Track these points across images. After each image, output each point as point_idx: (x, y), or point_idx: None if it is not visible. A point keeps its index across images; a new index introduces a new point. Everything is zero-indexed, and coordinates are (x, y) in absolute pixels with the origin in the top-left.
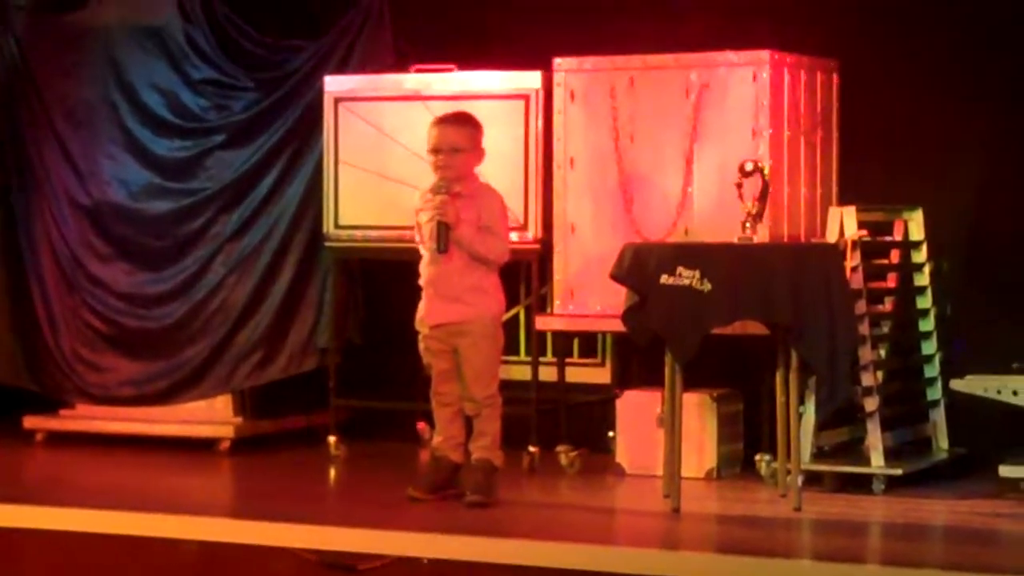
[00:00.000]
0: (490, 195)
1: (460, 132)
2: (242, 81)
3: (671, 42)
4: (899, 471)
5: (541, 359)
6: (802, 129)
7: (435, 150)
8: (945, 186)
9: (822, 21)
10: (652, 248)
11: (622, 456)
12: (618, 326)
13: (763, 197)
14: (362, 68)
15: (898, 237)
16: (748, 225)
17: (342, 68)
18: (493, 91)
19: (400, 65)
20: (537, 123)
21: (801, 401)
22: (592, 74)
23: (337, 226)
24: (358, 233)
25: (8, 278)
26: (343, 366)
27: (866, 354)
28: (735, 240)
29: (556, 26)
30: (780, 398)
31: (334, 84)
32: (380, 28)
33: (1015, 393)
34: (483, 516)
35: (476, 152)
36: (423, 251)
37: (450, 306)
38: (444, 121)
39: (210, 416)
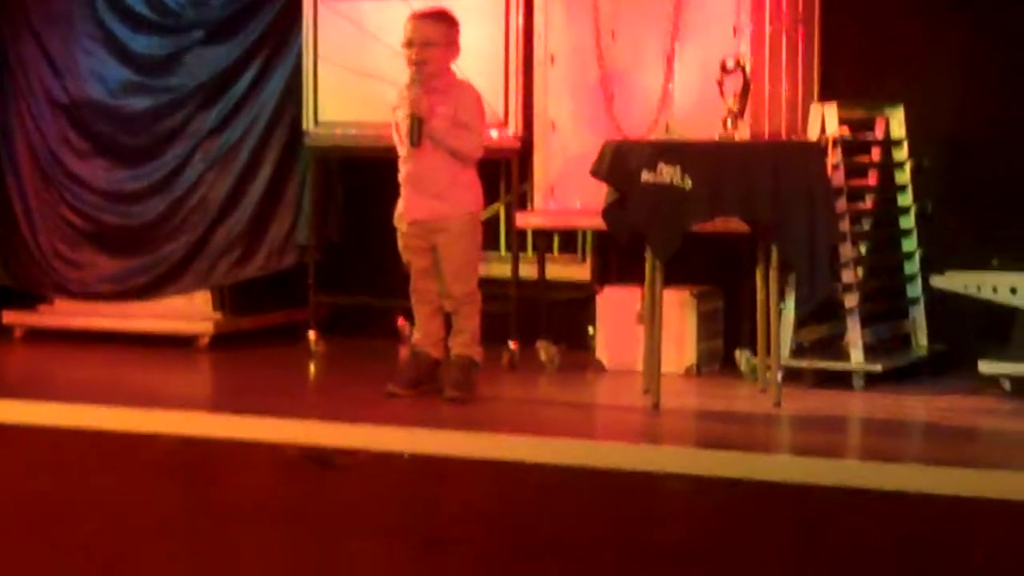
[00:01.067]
0: (466, 90)
1: (434, 26)
2: None
3: None
4: (879, 367)
5: (521, 255)
6: (784, 26)
7: (408, 43)
8: (926, 84)
9: None
10: (633, 145)
11: (602, 352)
12: (598, 223)
13: (744, 94)
14: None
15: (879, 135)
16: (729, 122)
17: None
18: None
19: None
20: (518, 19)
21: (781, 298)
22: None
23: (316, 123)
24: (338, 130)
25: None
26: (323, 263)
27: (846, 251)
28: (716, 137)
29: None
30: (760, 295)
31: None
32: None
33: (994, 290)
34: (462, 411)
35: (451, 48)
36: (400, 149)
37: (428, 202)
38: (419, 16)
39: (190, 312)
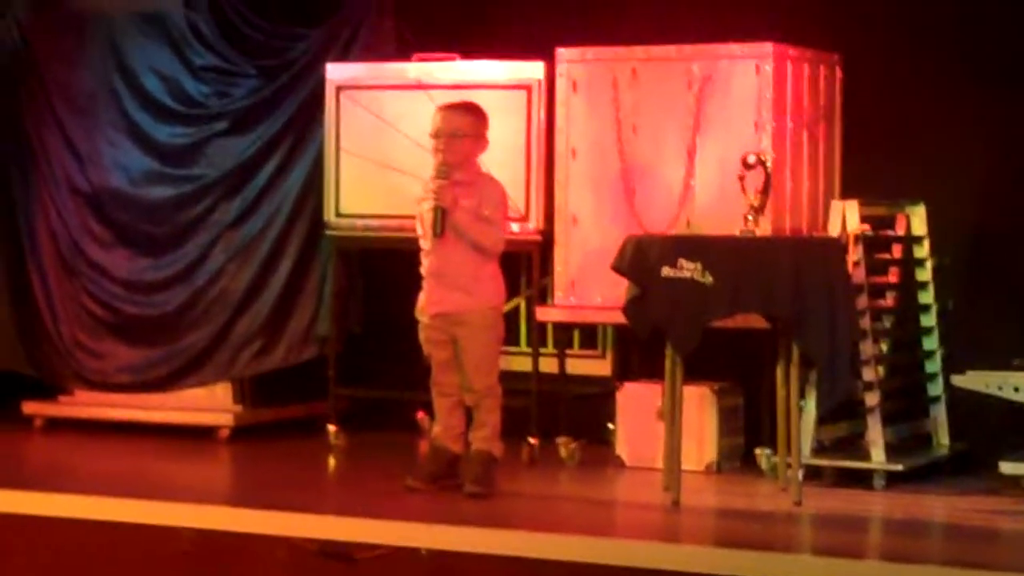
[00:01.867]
0: (491, 184)
1: (463, 118)
2: (244, 68)
3: (674, 33)
4: (899, 467)
5: (541, 350)
6: (805, 122)
7: (436, 134)
8: (948, 181)
9: (825, 14)
10: (654, 240)
11: (622, 448)
12: (619, 318)
13: (765, 190)
14: (364, 56)
15: (900, 232)
16: (750, 218)
17: (344, 56)
18: (496, 81)
19: (402, 54)
20: (539, 113)
21: (802, 395)
22: (595, 64)
23: (338, 214)
24: (359, 222)
25: (7, 263)
26: (343, 355)
27: (867, 349)
28: (737, 233)
29: (559, 16)
30: (781, 392)
31: (336, 72)
32: (383, 16)
33: (1016, 389)
34: (482, 507)
35: (479, 140)
36: (423, 242)
37: (450, 295)
38: (448, 107)
39: (210, 404)
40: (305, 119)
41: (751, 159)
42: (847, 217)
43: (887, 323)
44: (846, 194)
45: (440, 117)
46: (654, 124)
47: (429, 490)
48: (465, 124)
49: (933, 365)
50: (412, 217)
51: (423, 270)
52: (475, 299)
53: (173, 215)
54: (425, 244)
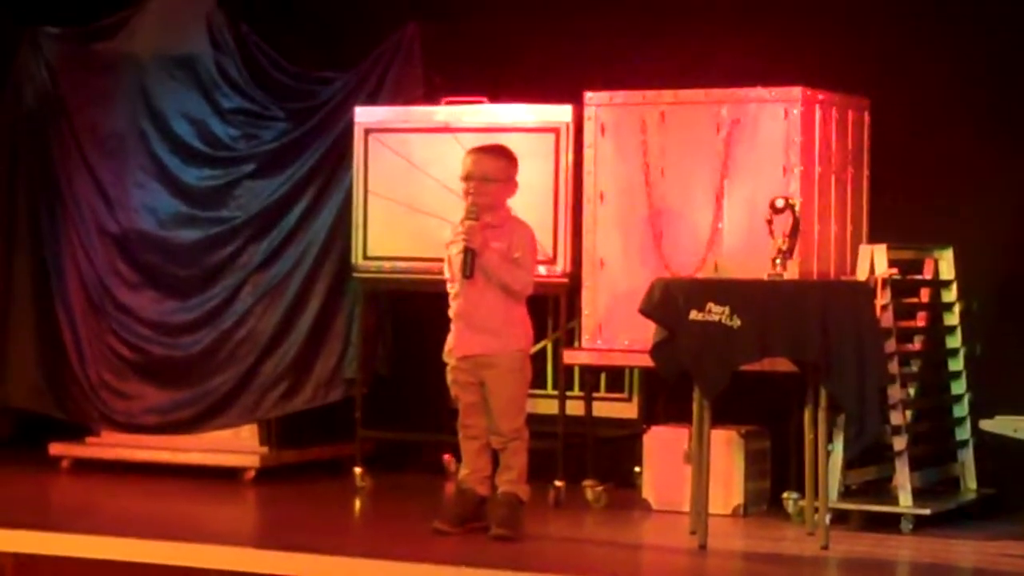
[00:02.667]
0: (520, 227)
1: (493, 162)
2: (272, 111)
3: (702, 77)
4: (927, 511)
5: (568, 393)
6: (833, 166)
7: (467, 177)
8: (976, 225)
9: (854, 59)
10: (681, 283)
11: (648, 492)
12: (646, 361)
13: (794, 234)
14: (393, 100)
15: (928, 276)
16: (778, 262)
17: (373, 99)
18: (524, 124)
19: (431, 97)
20: (567, 157)
21: (829, 439)
22: (623, 108)
23: (366, 257)
24: (386, 264)
25: (35, 304)
26: (370, 397)
27: (895, 393)
28: (765, 277)
29: (587, 60)
30: (808, 435)
31: (364, 115)
32: (411, 60)
33: None
34: (509, 550)
35: (508, 184)
36: (451, 286)
37: (478, 338)
38: (479, 150)
39: (236, 445)
40: (333, 162)
41: (779, 203)
42: (875, 261)
43: (915, 367)
44: (874, 238)
45: (471, 160)
46: (682, 167)
47: (456, 533)
48: (496, 168)
49: (961, 409)
50: (440, 260)
51: (451, 312)
52: (503, 342)
53: (201, 257)
54: (453, 287)
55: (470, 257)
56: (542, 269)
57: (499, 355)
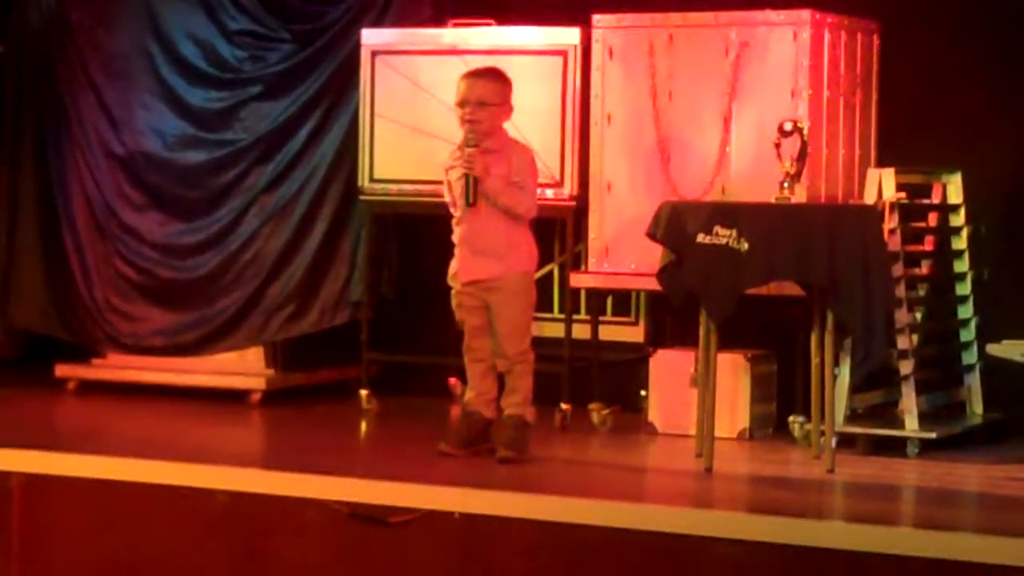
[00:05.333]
0: (520, 151)
1: (488, 86)
2: (279, 32)
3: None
4: (933, 435)
5: (574, 317)
6: (841, 90)
7: (462, 103)
8: (984, 149)
9: None
10: (689, 207)
11: (654, 415)
12: (653, 284)
13: (801, 157)
14: (399, 21)
15: (936, 200)
16: (786, 185)
17: (379, 21)
18: (531, 47)
19: (438, 19)
20: (575, 80)
21: (836, 363)
22: (631, 31)
23: (372, 180)
24: (393, 187)
25: (41, 227)
26: (376, 320)
27: (902, 317)
28: (773, 200)
29: None
30: (815, 359)
31: (371, 37)
32: None
33: None
34: (514, 472)
35: (504, 107)
36: (453, 210)
37: (482, 262)
38: (472, 75)
39: (242, 367)
40: (340, 84)
41: (787, 126)
42: (883, 185)
43: (922, 291)
44: (882, 162)
45: (465, 86)
46: (690, 91)
47: (461, 455)
48: (491, 91)
49: (968, 334)
50: (445, 183)
51: (455, 238)
52: (507, 265)
53: (207, 179)
54: (455, 212)
55: (472, 184)
56: (549, 192)
57: (504, 279)
